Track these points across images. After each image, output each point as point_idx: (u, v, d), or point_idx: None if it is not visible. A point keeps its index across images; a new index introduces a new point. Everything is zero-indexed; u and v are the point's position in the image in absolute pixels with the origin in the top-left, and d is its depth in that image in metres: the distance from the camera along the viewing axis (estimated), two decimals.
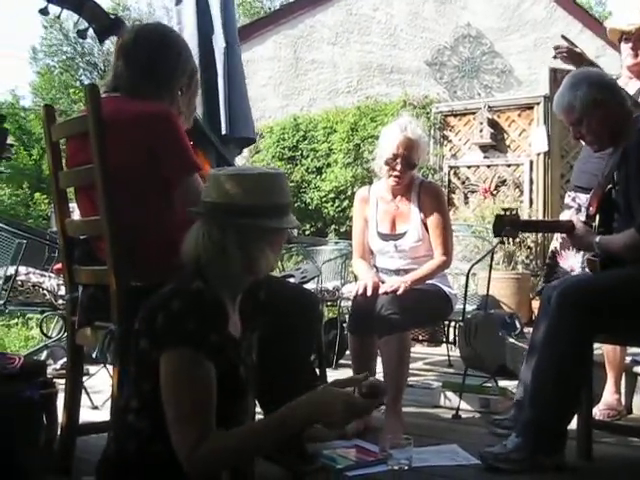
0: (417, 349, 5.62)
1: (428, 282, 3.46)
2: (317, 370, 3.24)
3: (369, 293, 3.26)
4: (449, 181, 7.43)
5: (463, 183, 7.34)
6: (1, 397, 2.09)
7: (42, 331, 4.18)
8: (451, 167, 7.44)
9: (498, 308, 5.57)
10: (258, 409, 2.21)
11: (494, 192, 7.03)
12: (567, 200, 3.81)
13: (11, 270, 3.91)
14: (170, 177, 2.26)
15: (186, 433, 1.58)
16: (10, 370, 2.39)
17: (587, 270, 3.41)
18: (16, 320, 6.79)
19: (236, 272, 1.78)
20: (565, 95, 2.76)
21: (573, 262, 3.80)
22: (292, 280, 3.23)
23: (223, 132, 4.04)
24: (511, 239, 2.70)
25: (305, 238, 6.10)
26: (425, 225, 3.47)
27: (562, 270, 4.01)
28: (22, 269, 3.98)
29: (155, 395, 1.63)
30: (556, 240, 4.07)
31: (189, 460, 1.57)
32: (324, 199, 8.20)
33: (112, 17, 2.72)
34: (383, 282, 3.37)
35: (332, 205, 8.27)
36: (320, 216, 8.29)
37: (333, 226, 8.37)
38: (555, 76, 6.85)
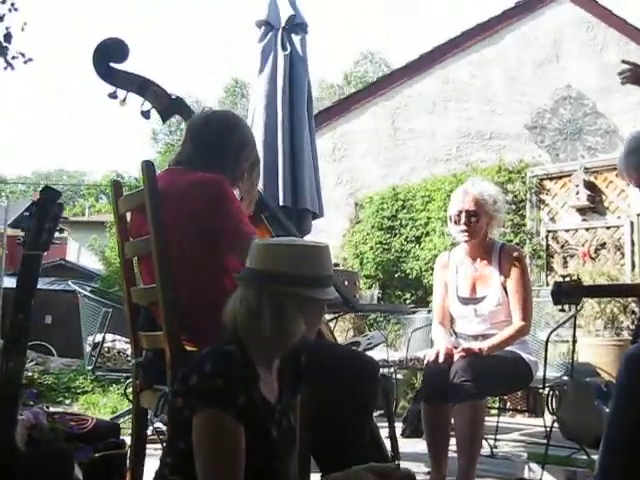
0: (517, 419, 5.43)
1: (506, 349, 3.38)
2: (388, 440, 3.18)
3: (441, 359, 3.23)
4: (547, 245, 7.22)
5: (562, 247, 7.11)
6: (41, 455, 2.17)
7: (126, 396, 4.35)
8: (549, 231, 7.26)
9: (596, 376, 5.29)
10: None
11: (593, 256, 6.76)
12: None
13: (99, 337, 4.14)
14: (224, 241, 2.35)
15: None
16: (74, 431, 2.51)
17: None
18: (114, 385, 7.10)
19: (269, 337, 1.86)
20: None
21: None
22: (358, 347, 3.23)
23: (281, 203, 4.19)
24: (574, 305, 2.59)
25: (383, 306, 6.05)
26: (505, 289, 3.42)
27: None
28: (109, 336, 4.22)
29: (188, 453, 1.71)
30: None
31: None
32: (423, 268, 8.13)
33: (173, 97, 2.88)
34: (456, 349, 3.31)
35: (431, 274, 8.09)
36: (420, 285, 8.21)
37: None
38: None
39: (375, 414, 3.17)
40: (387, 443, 2.98)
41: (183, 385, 1.76)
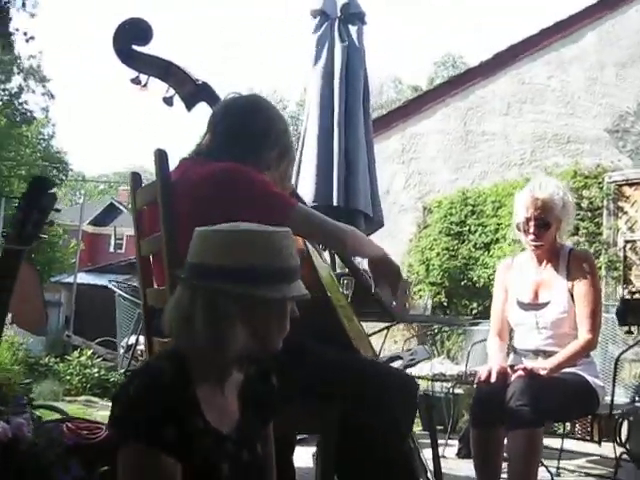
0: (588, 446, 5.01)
1: (571, 371, 3.08)
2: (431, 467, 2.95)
3: (493, 379, 2.96)
4: (625, 257, 6.76)
5: None
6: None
7: None
8: (627, 241, 6.78)
9: None
10: None
11: None
12: None
13: (132, 339, 3.99)
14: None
15: None
16: (81, 441, 2.31)
17: None
18: None
19: (206, 350, 1.52)
20: None
21: None
22: (399, 362, 2.99)
23: (334, 203, 3.96)
24: None
25: (440, 318, 5.75)
26: (572, 296, 3.13)
27: None
28: (142, 339, 4.06)
29: None
30: None
31: None
32: (492, 276, 7.75)
33: (199, 83, 2.67)
34: (513, 367, 3.03)
35: None
36: (488, 294, 7.83)
37: None
38: None
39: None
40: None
41: (111, 411, 1.47)
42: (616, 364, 3.41)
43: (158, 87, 2.61)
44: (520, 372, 2.91)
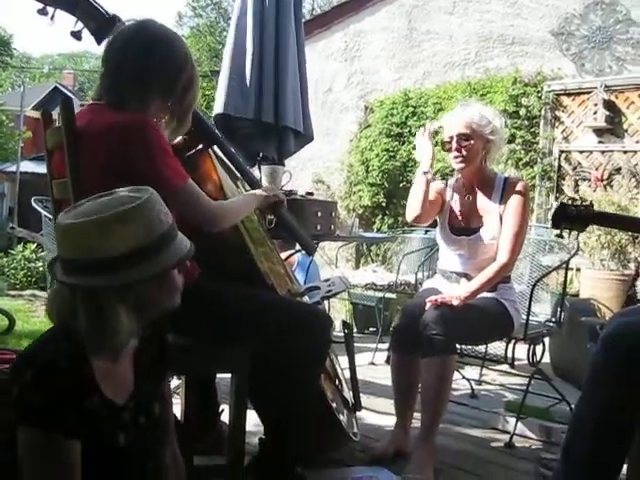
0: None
1: (488, 296, 3.14)
2: (351, 395, 3.01)
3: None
4: (559, 166, 6.81)
5: (574, 169, 6.71)
6: None
7: None
8: (562, 151, 6.81)
9: (593, 316, 5.02)
10: None
11: (607, 181, 6.36)
12: None
13: None
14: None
15: None
16: None
17: None
18: None
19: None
20: None
21: None
22: (318, 292, 2.99)
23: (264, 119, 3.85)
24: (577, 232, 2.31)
25: (364, 237, 5.78)
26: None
27: None
28: None
29: None
30: None
31: None
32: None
33: (109, 16, 2.51)
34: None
35: None
36: None
37: None
38: None
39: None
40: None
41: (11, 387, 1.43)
42: (532, 292, 3.48)
43: (69, 19, 2.44)
44: (432, 301, 2.95)
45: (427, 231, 5.96)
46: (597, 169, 6.46)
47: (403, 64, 8.79)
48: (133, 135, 2.03)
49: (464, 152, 3.12)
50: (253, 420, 2.67)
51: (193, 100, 2.30)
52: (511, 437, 3.31)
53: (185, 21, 30.75)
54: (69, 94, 32.58)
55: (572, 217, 2.22)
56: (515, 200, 3.12)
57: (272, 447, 2.50)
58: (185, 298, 1.66)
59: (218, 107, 3.88)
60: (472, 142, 3.11)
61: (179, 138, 2.49)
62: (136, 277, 1.47)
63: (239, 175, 2.79)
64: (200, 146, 2.53)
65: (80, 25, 2.44)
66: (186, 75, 2.23)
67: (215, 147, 2.63)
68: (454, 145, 3.12)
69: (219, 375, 3.02)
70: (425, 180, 3.13)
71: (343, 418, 2.80)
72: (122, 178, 1.85)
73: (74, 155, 2.08)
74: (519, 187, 3.15)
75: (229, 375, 2.46)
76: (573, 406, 3.37)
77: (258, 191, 2.59)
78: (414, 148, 3.31)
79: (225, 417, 2.75)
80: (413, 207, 3.17)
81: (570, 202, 2.27)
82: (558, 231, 2.36)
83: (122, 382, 1.59)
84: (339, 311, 7.17)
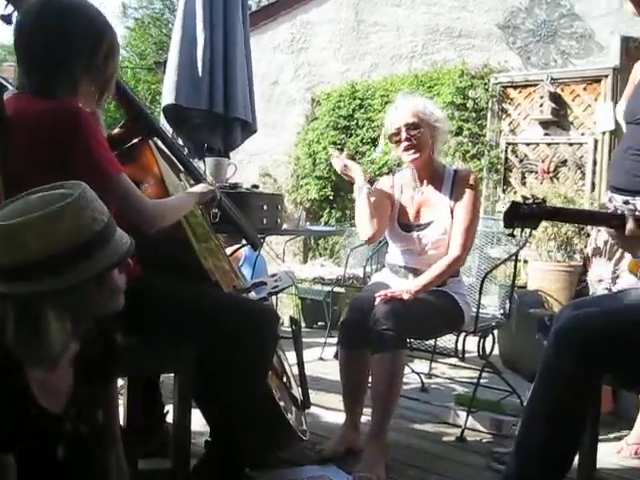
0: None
1: (438, 289, 3.10)
2: (299, 392, 2.97)
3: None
4: (506, 158, 6.84)
5: (521, 161, 6.74)
6: None
7: None
8: (509, 143, 6.83)
9: (541, 307, 5.04)
10: None
11: (553, 173, 6.41)
12: (605, 199, 3.33)
13: None
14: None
15: None
16: None
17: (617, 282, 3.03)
18: None
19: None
20: None
21: (602, 271, 3.34)
22: (265, 287, 2.92)
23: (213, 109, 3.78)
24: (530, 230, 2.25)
25: (310, 230, 5.73)
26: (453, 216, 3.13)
27: (590, 281, 3.57)
28: None
29: None
30: (590, 245, 3.61)
31: None
32: (378, 172, 7.74)
33: None
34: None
35: None
36: None
37: None
38: (627, 45, 6.17)
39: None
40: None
41: None
42: (481, 285, 3.47)
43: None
44: (382, 296, 2.91)
45: None
46: (543, 161, 6.50)
47: (350, 56, 8.74)
48: (64, 124, 1.92)
49: (414, 141, 3.08)
50: (200, 420, 2.59)
51: (115, 69, 2.18)
52: (462, 431, 3.30)
53: (130, 12, 30.23)
54: (9, 87, 31.81)
55: (524, 215, 2.17)
56: (466, 193, 3.10)
57: (219, 448, 2.43)
58: (129, 297, 1.58)
59: (168, 98, 3.80)
60: (421, 130, 3.08)
61: (116, 130, 2.39)
62: (70, 281, 1.36)
63: (181, 168, 2.69)
64: (140, 138, 2.43)
65: (10, 8, 2.29)
66: (107, 43, 2.12)
67: (156, 139, 2.53)
68: (403, 135, 3.08)
69: (164, 374, 2.93)
70: (365, 195, 3.08)
71: (291, 416, 2.75)
72: (54, 170, 1.75)
73: (2, 147, 1.96)
74: (470, 180, 3.13)
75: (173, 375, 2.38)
76: (523, 398, 3.43)
77: (196, 188, 2.50)
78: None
79: (170, 418, 2.67)
80: (364, 228, 3.12)
81: (522, 199, 2.21)
82: (510, 230, 2.30)
83: (60, 389, 1.49)
84: (287, 306, 7.11)
